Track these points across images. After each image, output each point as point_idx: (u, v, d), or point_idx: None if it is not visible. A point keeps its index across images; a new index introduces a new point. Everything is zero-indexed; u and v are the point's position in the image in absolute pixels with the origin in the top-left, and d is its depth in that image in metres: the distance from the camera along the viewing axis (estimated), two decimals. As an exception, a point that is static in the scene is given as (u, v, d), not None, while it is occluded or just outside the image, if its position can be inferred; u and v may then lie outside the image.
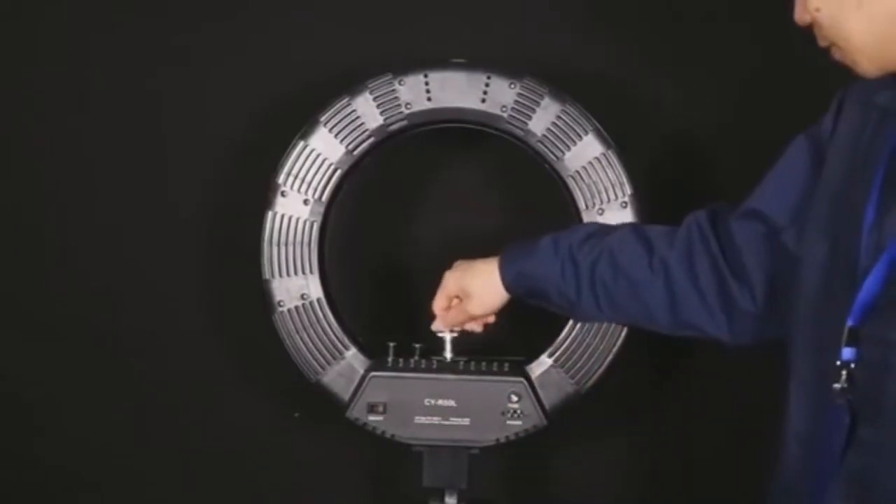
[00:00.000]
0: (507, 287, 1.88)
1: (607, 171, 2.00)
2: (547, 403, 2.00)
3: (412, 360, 2.01)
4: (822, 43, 1.55)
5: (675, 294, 1.77)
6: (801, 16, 1.54)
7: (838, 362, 1.49)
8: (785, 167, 1.72)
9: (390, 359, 2.02)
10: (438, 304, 1.94)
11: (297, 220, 2.01)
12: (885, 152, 1.51)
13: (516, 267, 1.87)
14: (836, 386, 1.48)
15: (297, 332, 2.02)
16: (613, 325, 2.00)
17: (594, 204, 2.00)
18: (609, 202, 2.00)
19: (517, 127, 2.01)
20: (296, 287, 2.02)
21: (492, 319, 1.96)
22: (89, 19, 2.27)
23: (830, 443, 1.50)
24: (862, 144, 1.56)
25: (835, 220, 1.56)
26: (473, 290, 1.91)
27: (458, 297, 1.93)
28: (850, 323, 1.48)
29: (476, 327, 1.97)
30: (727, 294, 1.74)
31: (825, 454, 1.51)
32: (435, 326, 1.96)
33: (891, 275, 1.46)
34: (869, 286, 1.47)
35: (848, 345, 1.48)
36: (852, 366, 1.48)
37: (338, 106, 2.01)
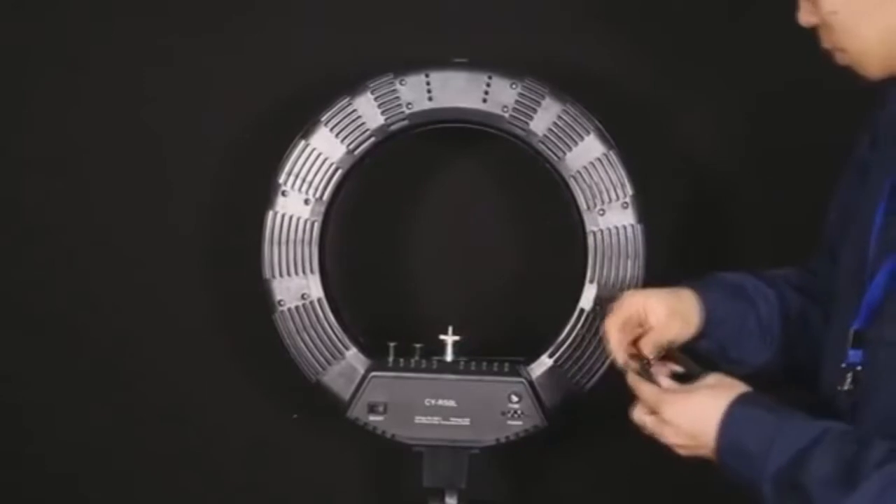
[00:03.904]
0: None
1: (609, 171, 2.00)
2: (547, 403, 2.00)
3: (412, 361, 2.01)
4: (826, 45, 1.55)
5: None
6: (807, 18, 1.54)
7: (844, 365, 1.49)
8: (837, 196, 1.72)
9: (391, 359, 2.02)
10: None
11: (298, 219, 2.01)
12: (894, 159, 1.52)
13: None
14: (841, 388, 1.49)
15: (298, 331, 2.02)
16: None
17: (595, 204, 2.00)
18: (610, 202, 2.00)
19: (518, 127, 2.00)
20: (296, 287, 2.01)
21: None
22: (89, 20, 2.27)
23: None
24: (879, 155, 1.57)
25: (855, 229, 1.57)
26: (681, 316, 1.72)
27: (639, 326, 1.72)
28: (856, 326, 1.49)
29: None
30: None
31: None
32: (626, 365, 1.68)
33: (893, 278, 1.47)
34: (874, 289, 1.48)
35: (854, 347, 1.49)
36: (858, 368, 1.48)
37: (339, 105, 2.00)
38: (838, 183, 1.72)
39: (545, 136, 2.00)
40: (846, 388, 1.49)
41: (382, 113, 2.00)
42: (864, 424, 1.47)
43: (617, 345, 1.69)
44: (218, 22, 2.27)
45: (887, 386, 1.46)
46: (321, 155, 2.01)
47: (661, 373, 1.64)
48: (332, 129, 2.00)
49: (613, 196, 2.00)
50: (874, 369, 1.47)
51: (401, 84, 2.00)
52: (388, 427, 1.99)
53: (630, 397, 1.64)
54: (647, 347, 1.68)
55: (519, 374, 2.00)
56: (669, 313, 1.69)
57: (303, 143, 2.01)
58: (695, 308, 1.70)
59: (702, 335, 1.71)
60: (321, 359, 2.02)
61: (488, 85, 2.00)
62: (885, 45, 1.49)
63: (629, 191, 2.00)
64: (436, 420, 1.98)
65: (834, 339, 1.55)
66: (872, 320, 1.48)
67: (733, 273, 1.77)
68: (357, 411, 1.99)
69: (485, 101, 2.00)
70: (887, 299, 1.47)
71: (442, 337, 2.02)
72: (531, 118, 2.00)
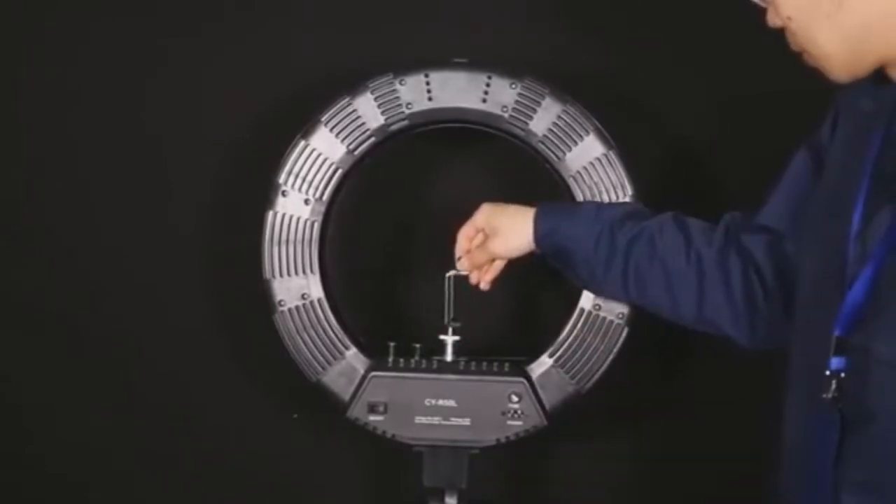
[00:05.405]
0: (536, 239, 1.88)
1: (608, 171, 2.00)
2: (547, 404, 2.00)
3: (412, 360, 2.01)
4: (795, 48, 1.56)
5: (704, 290, 1.78)
6: (772, 20, 1.56)
7: (827, 372, 1.49)
8: (788, 179, 1.73)
9: (391, 359, 2.02)
10: (465, 233, 1.95)
11: (298, 219, 2.01)
12: (870, 158, 1.52)
13: (552, 221, 1.88)
14: (826, 396, 1.49)
15: (298, 331, 2.02)
16: (614, 326, 1.99)
17: (595, 204, 2.00)
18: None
19: (518, 127, 2.01)
20: (296, 287, 2.01)
21: (498, 266, 1.96)
22: (88, 21, 2.27)
23: (823, 452, 1.50)
24: (851, 151, 1.57)
25: (826, 228, 1.56)
26: (502, 227, 1.91)
27: (484, 233, 1.93)
28: (837, 332, 1.49)
29: (489, 275, 1.96)
30: (753, 300, 1.75)
31: (819, 463, 1.51)
32: (460, 265, 1.96)
33: (875, 284, 1.47)
34: (854, 296, 1.47)
35: (836, 354, 1.49)
36: (842, 375, 1.48)
37: (339, 105, 2.00)
38: (792, 161, 1.73)
39: (545, 136, 2.00)
40: (831, 395, 1.49)
41: (382, 113, 2.00)
42: (856, 431, 1.47)
43: (460, 249, 1.95)
44: (218, 22, 2.27)
45: (877, 394, 1.46)
46: (321, 155, 2.01)
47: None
48: (332, 129, 2.00)
49: (613, 196, 2.00)
50: (861, 377, 1.47)
51: (400, 84, 2.00)
52: (388, 427, 1.99)
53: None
54: (476, 254, 1.94)
55: (519, 374, 1.99)
56: (493, 231, 1.92)
57: (303, 142, 2.01)
58: (519, 228, 1.90)
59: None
60: (321, 359, 2.02)
61: (488, 85, 2.00)
62: (845, 51, 1.50)
63: (629, 191, 2.00)
64: (436, 420, 1.98)
65: (808, 342, 1.54)
66: (854, 327, 1.48)
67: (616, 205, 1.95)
68: (357, 411, 1.99)
69: (484, 101, 2.00)
70: (870, 308, 1.46)
71: (442, 337, 2.02)
72: (531, 118, 2.00)
